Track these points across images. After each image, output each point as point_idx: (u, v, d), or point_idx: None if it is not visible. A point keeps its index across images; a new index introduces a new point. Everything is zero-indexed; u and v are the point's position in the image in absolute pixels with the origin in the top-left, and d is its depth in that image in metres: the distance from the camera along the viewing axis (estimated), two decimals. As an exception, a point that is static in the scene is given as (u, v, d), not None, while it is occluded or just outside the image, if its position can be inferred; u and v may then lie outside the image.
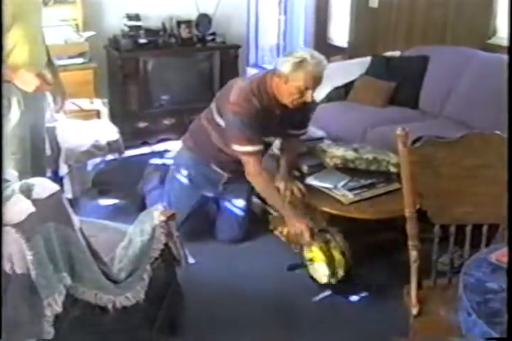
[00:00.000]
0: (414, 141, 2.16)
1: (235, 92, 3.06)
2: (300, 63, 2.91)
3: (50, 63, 3.30)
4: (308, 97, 2.98)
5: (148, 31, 5.02)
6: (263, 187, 3.17)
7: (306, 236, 2.97)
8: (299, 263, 3.07)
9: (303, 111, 3.23)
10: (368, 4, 5.52)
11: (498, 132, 2.12)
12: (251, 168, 3.11)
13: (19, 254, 1.70)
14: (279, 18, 7.05)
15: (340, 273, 2.92)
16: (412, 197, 2.10)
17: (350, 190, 3.12)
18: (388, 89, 4.54)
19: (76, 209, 3.56)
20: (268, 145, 3.35)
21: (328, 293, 3.03)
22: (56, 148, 3.69)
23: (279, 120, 3.17)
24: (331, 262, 2.91)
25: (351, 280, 2.99)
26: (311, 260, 2.99)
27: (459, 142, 2.14)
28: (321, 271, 2.96)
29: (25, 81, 2.88)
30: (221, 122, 3.19)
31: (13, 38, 2.89)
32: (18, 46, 2.93)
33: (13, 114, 2.98)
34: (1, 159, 3.32)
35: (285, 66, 2.94)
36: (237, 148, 3.10)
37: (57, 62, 3.44)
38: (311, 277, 3.03)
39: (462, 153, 2.12)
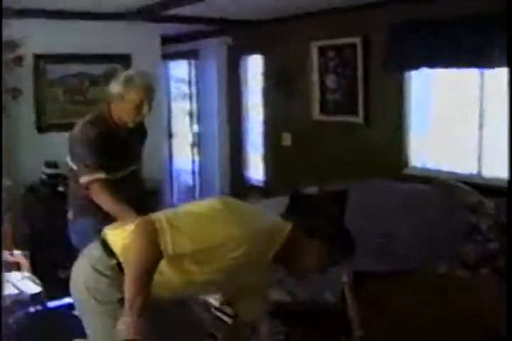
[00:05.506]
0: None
1: (76, 127, 3.12)
2: (128, 80, 3.05)
3: None
4: (145, 110, 3.09)
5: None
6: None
7: None
8: None
9: (142, 137, 3.40)
10: (281, 142, 5.58)
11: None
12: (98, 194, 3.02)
13: None
14: (192, 159, 7.06)
15: None
16: None
17: None
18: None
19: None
20: None
21: None
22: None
23: (129, 144, 3.21)
24: None
25: None
26: None
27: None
28: None
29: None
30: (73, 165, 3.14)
31: None
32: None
33: None
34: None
35: (117, 87, 3.05)
36: (82, 180, 3.03)
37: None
38: None
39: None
